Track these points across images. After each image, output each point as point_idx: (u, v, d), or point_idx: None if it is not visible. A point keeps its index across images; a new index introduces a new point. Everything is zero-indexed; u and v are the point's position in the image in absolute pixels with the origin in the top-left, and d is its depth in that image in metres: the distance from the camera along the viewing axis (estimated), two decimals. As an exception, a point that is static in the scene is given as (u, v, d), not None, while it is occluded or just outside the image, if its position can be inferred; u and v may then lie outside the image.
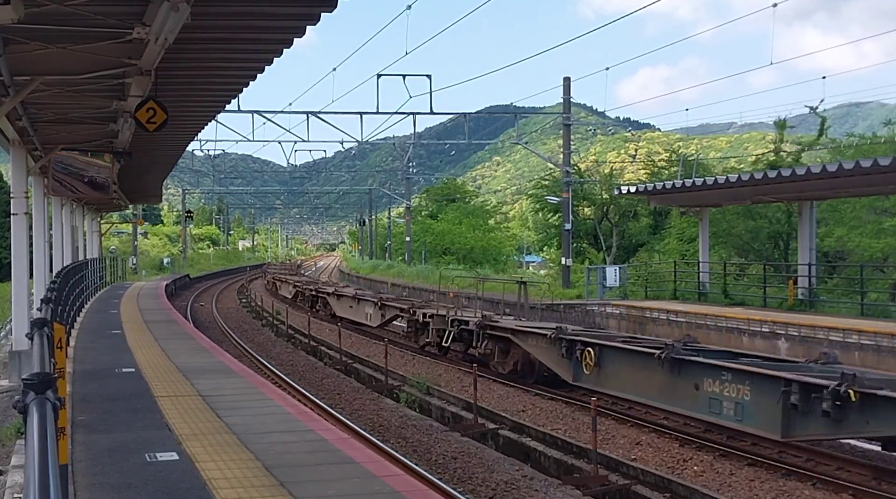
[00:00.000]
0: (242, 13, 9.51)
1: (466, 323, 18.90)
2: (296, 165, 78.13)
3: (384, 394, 16.62)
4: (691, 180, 24.77)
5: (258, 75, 12.70)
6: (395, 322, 25.49)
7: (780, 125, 38.18)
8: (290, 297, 40.37)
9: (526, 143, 43.16)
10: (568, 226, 32.82)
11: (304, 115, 32.98)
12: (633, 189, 28.52)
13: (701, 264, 26.70)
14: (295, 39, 10.51)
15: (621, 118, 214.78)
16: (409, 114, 33.25)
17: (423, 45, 32.06)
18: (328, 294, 32.58)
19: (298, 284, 40.32)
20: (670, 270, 29.52)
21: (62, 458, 5.66)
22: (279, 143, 38.51)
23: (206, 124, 19.28)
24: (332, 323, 28.44)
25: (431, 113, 33.37)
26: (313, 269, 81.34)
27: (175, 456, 7.15)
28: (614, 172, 52.51)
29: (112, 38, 9.32)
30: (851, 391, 9.53)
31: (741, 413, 11.32)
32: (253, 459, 7.07)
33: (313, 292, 35.16)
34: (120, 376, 11.59)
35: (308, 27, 9.86)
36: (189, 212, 78.13)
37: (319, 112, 32.82)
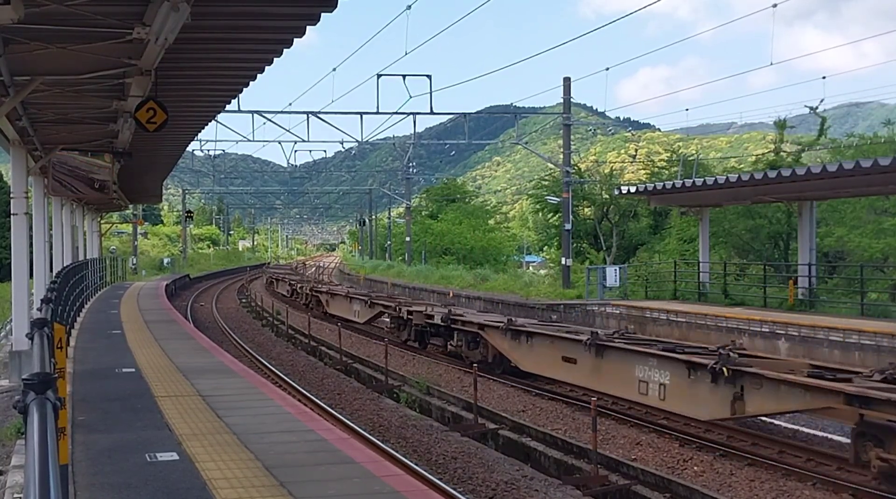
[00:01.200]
0: (242, 13, 9.52)
1: None
2: (296, 165, 77.97)
3: (384, 394, 16.61)
4: (691, 180, 24.75)
5: (258, 75, 12.71)
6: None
7: (780, 125, 38.17)
8: (361, 321, 27.15)
9: (526, 143, 43.15)
10: (568, 226, 32.81)
11: (304, 116, 32.98)
12: (633, 189, 28.51)
13: (701, 264, 26.69)
14: (295, 39, 10.51)
15: (621, 118, 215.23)
16: (409, 114, 33.27)
17: (423, 45, 32.08)
18: (480, 325, 18.30)
19: (382, 301, 25.84)
20: (670, 270, 29.51)
21: (62, 458, 5.66)
22: (279, 143, 38.51)
23: (206, 124, 19.29)
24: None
25: (431, 113, 33.36)
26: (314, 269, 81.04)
27: (175, 456, 7.14)
28: (614, 172, 52.46)
29: (112, 38, 9.32)
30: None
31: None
32: (253, 459, 7.06)
33: (432, 320, 20.46)
34: (120, 376, 11.59)
35: (308, 27, 9.86)
36: (189, 212, 78.10)
37: (319, 112, 32.82)
